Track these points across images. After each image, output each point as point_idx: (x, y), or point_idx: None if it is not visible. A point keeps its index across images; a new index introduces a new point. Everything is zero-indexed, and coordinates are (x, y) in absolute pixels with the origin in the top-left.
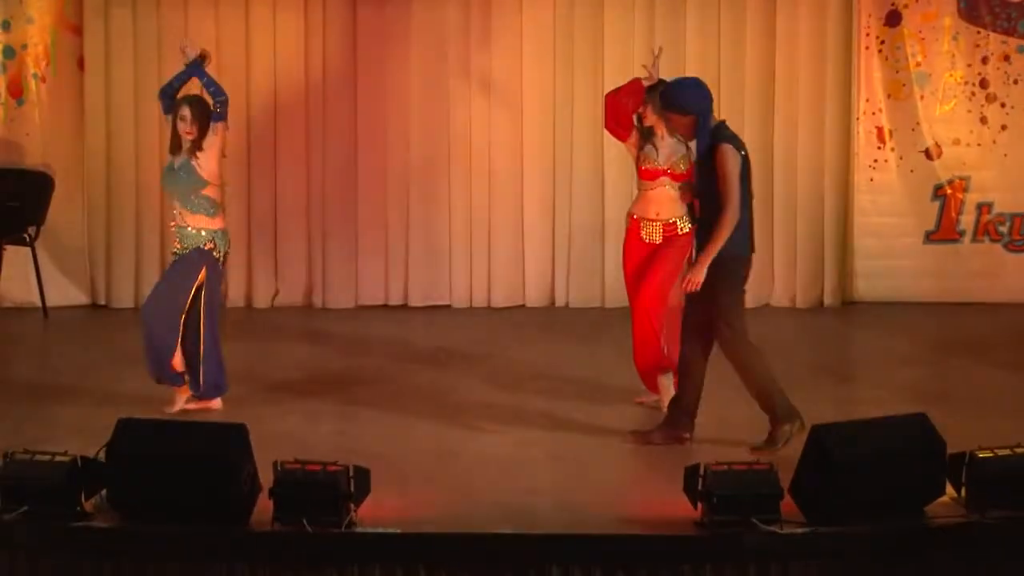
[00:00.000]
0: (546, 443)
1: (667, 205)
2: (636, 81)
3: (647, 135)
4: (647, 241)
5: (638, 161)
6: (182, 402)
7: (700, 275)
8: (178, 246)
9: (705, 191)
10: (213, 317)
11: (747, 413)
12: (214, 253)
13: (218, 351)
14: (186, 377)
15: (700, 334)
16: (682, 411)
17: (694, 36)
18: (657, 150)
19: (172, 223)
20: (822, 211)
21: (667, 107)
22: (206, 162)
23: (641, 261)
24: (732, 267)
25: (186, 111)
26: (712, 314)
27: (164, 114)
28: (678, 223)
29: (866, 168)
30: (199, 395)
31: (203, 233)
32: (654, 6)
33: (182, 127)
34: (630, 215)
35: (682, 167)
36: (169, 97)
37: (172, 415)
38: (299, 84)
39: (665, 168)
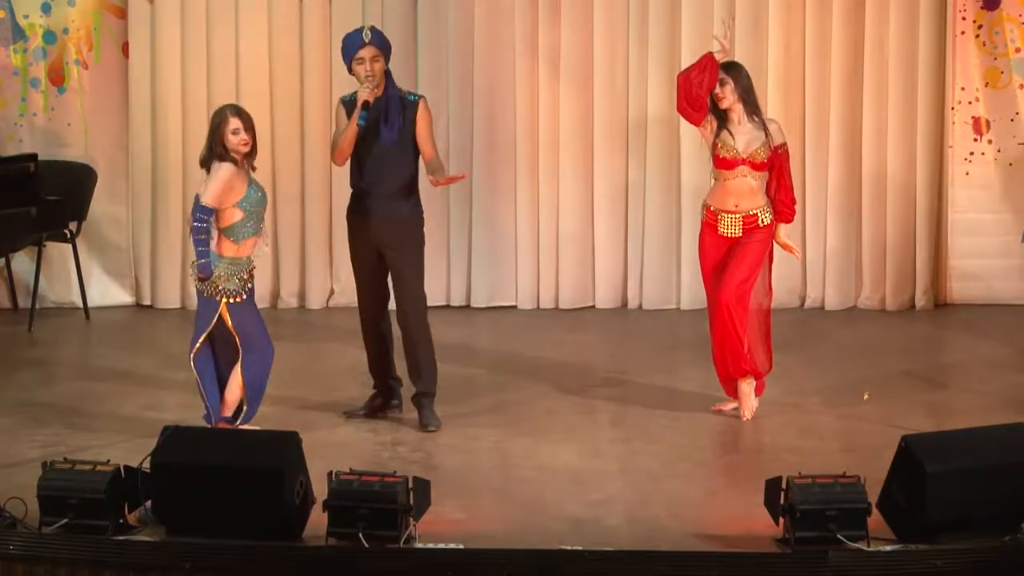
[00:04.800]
0: (617, 453)
1: (747, 196)
2: (708, 56)
3: (722, 120)
4: (725, 235)
5: (714, 148)
6: None
7: None
8: (245, 278)
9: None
10: None
11: (827, 421)
12: None
13: None
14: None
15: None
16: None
17: (777, 15)
18: (734, 136)
19: (255, 251)
20: (914, 207)
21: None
22: None
23: (720, 257)
24: (420, 232)
25: (237, 122)
26: (405, 278)
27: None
28: (759, 215)
29: (961, 161)
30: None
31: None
32: None
33: (237, 140)
34: (706, 206)
35: (762, 155)
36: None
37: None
38: None
39: (744, 156)
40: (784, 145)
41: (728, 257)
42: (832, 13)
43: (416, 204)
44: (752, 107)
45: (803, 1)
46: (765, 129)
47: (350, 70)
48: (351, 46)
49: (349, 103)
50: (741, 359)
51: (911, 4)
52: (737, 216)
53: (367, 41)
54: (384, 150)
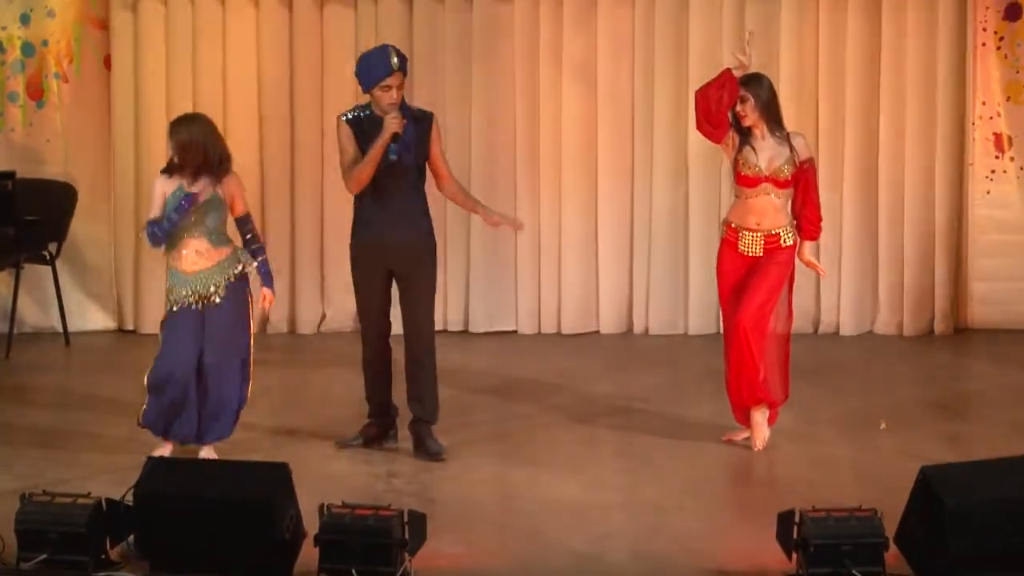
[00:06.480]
0: (621, 485)
1: (769, 214)
2: (726, 72)
3: (744, 135)
4: (746, 254)
5: (736, 165)
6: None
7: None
8: (191, 296)
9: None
10: None
11: (842, 452)
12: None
13: None
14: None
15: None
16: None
17: (789, 25)
18: (757, 153)
19: (190, 269)
20: (933, 228)
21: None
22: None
23: (739, 277)
24: (434, 256)
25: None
26: (419, 303)
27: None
28: (781, 234)
29: (982, 179)
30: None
31: (237, 254)
32: None
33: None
34: (727, 223)
35: (786, 172)
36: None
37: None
38: (348, 90)
39: (767, 174)
40: (810, 160)
41: (747, 278)
42: (847, 24)
43: (430, 226)
44: (775, 121)
45: (816, 12)
46: (790, 144)
47: (367, 91)
48: (377, 71)
49: (354, 122)
50: (756, 387)
51: (930, 15)
52: (759, 235)
53: (395, 68)
54: (397, 171)
